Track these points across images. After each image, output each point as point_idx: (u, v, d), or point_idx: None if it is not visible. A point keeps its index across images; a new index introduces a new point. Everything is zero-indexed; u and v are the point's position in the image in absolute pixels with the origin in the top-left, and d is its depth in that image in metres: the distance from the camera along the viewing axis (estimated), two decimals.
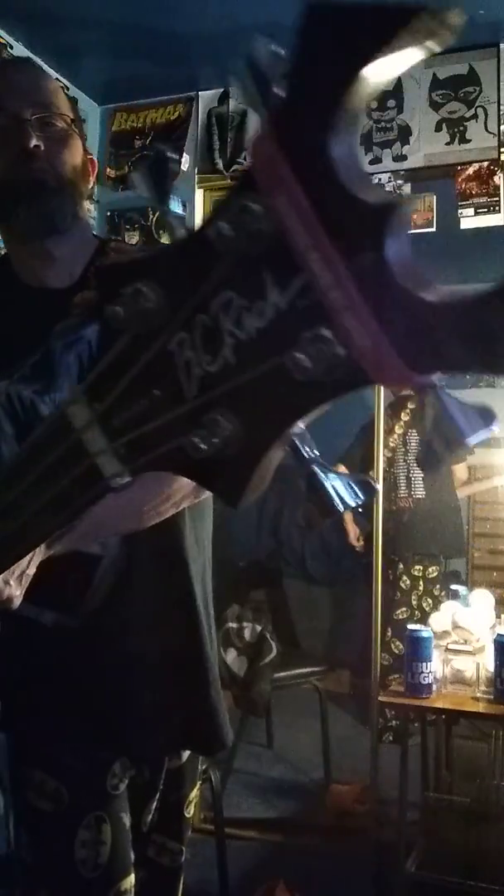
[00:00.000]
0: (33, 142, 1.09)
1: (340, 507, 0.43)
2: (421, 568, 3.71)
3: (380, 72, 0.36)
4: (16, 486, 0.50)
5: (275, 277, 0.39)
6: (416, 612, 3.65)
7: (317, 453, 0.43)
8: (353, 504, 0.43)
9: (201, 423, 0.41)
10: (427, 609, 3.64)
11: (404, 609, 3.67)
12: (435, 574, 3.73)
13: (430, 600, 3.69)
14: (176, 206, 0.49)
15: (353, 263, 0.36)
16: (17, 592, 0.93)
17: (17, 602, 0.93)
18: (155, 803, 1.24)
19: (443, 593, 3.64)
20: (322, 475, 0.43)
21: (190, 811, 1.31)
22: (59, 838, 1.10)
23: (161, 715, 1.15)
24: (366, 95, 0.37)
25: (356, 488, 0.44)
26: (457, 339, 0.35)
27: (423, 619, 3.47)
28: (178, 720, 1.17)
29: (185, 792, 1.28)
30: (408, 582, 3.71)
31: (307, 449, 0.43)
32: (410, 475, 3.75)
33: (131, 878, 1.14)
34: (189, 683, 1.18)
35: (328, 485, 0.43)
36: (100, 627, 1.06)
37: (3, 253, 1.24)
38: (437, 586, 3.71)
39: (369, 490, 0.44)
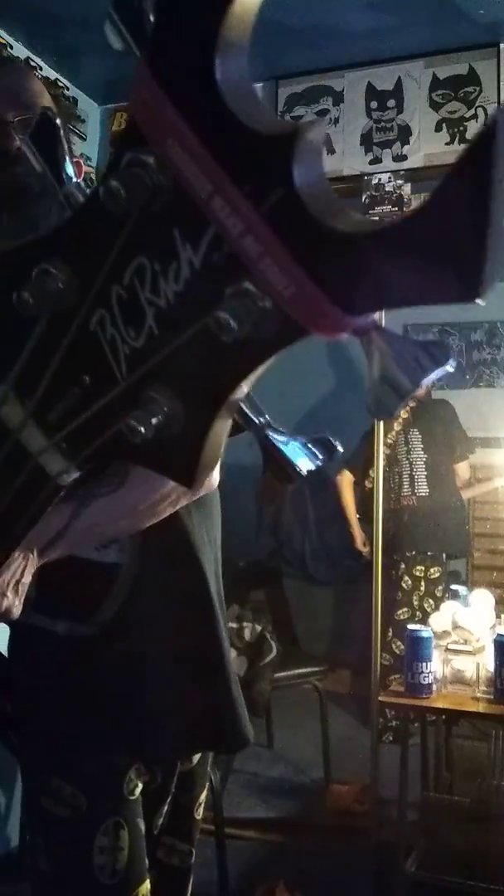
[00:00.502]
0: (17, 144, 1.06)
1: (301, 472, 0.40)
2: (423, 568, 3.71)
3: None
4: None
5: (183, 233, 0.35)
6: (418, 613, 3.65)
7: (267, 418, 0.41)
8: (312, 467, 0.41)
9: (137, 404, 0.38)
10: (429, 610, 3.64)
11: (405, 609, 3.67)
12: (437, 575, 3.73)
13: (431, 601, 3.68)
14: (73, 172, 0.45)
15: (261, 204, 0.33)
16: (15, 602, 0.92)
17: (16, 612, 0.92)
18: (166, 806, 1.24)
19: (445, 595, 3.64)
20: (277, 440, 0.40)
21: (200, 813, 1.31)
22: (76, 845, 1.09)
23: (184, 716, 1.15)
24: (248, 12, 0.33)
25: (314, 449, 0.41)
26: (389, 268, 0.31)
27: (425, 620, 3.47)
28: (202, 720, 1.16)
29: (196, 793, 1.28)
30: (409, 582, 3.71)
31: (256, 415, 0.41)
32: (413, 473, 3.75)
33: (147, 884, 1.13)
34: (210, 682, 1.17)
35: (284, 450, 0.40)
36: (118, 631, 1.06)
37: None
38: (440, 587, 3.70)
39: (329, 449, 0.41)
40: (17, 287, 0.39)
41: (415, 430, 3.73)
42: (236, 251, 0.34)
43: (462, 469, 3.89)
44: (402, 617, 3.61)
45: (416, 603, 3.70)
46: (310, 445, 0.41)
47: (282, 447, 0.40)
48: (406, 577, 3.70)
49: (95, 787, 1.10)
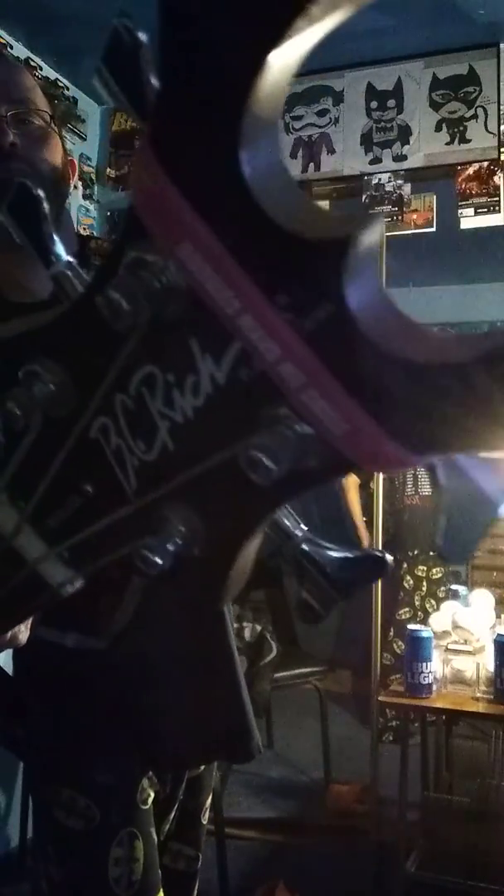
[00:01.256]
0: (10, 139, 1.02)
1: (339, 597, 0.35)
2: (425, 568, 3.71)
3: (293, 51, 0.26)
4: None
5: (203, 344, 0.29)
6: (419, 613, 3.65)
7: (304, 528, 0.35)
8: (355, 590, 0.35)
9: (150, 525, 0.32)
10: (430, 610, 3.64)
11: (407, 609, 3.67)
12: (440, 575, 3.73)
13: (433, 601, 3.68)
14: (61, 250, 0.38)
15: (302, 325, 0.27)
16: (21, 629, 0.91)
17: (22, 639, 0.91)
18: (173, 813, 1.23)
19: (448, 595, 3.64)
20: (315, 557, 0.34)
21: (206, 818, 1.30)
22: (91, 857, 1.07)
23: (197, 726, 1.14)
24: (280, 86, 0.27)
25: (361, 567, 0.35)
26: (462, 408, 0.25)
27: (426, 620, 3.47)
28: (215, 730, 1.16)
29: (203, 799, 1.28)
30: (411, 582, 3.71)
31: (292, 524, 0.35)
32: (416, 472, 3.74)
33: (161, 894, 1.12)
34: (222, 692, 1.16)
35: (323, 570, 0.34)
36: (129, 642, 1.04)
37: None
38: (442, 588, 3.70)
39: (378, 567, 0.35)
40: (1, 390, 0.34)
41: None
42: (271, 376, 0.28)
43: None
44: (403, 617, 3.61)
45: (417, 603, 3.70)
46: (354, 559, 0.35)
47: (320, 567, 0.34)
48: (408, 577, 3.70)
49: (109, 798, 1.08)
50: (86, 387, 0.33)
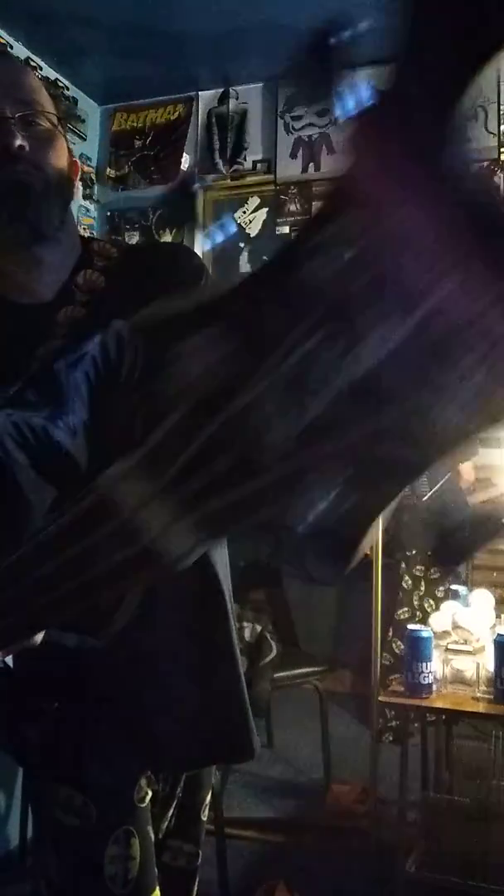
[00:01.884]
0: (17, 142, 1.01)
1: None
2: (423, 568, 3.71)
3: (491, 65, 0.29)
4: (54, 559, 0.43)
5: (385, 310, 0.31)
6: (418, 613, 3.65)
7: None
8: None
9: (292, 491, 0.33)
10: (429, 610, 3.64)
11: (406, 609, 3.67)
12: (438, 575, 3.72)
13: (432, 601, 3.68)
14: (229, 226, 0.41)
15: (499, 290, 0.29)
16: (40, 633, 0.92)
17: (38, 640, 0.92)
18: (172, 811, 1.23)
19: (447, 595, 3.64)
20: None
21: (205, 815, 1.31)
22: (87, 855, 1.07)
23: (198, 727, 1.14)
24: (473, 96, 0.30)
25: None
26: None
27: (425, 620, 3.47)
28: (216, 732, 1.15)
29: (202, 796, 1.28)
30: (409, 582, 3.71)
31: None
32: None
33: (157, 893, 1.13)
34: (224, 693, 1.16)
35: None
36: (129, 642, 1.03)
37: None
38: (441, 588, 3.70)
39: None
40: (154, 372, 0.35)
41: None
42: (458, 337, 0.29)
43: (466, 470, 3.87)
44: (402, 617, 3.61)
45: (416, 603, 3.69)
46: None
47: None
48: (406, 577, 3.70)
49: (106, 796, 1.08)
50: (250, 359, 0.33)
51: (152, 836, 1.14)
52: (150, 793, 1.15)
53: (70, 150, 1.11)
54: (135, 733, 1.09)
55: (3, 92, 1.03)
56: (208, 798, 1.30)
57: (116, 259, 1.12)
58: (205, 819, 1.30)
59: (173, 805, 1.23)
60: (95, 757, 1.08)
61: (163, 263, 1.15)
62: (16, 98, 1.04)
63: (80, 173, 1.16)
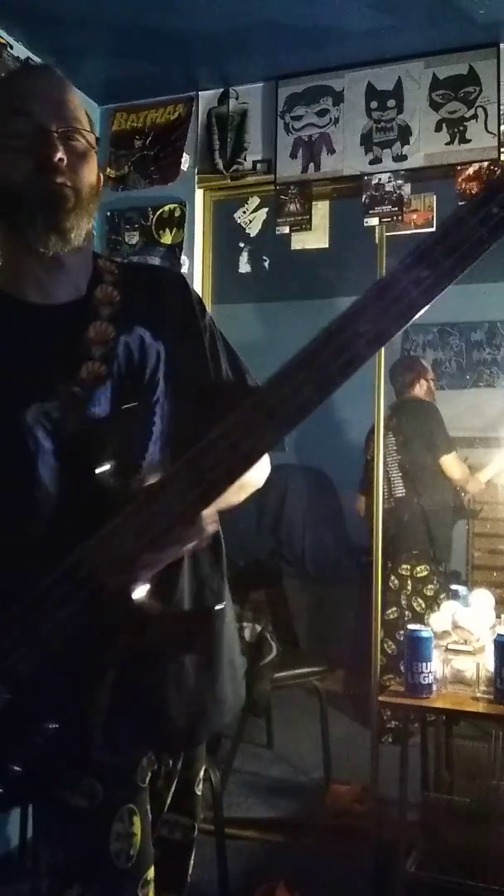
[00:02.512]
0: (58, 154, 1.09)
1: None
2: (408, 567, 3.69)
3: None
4: None
5: None
6: (407, 612, 3.64)
7: None
8: None
9: None
10: (418, 609, 3.64)
11: (394, 609, 3.67)
12: (425, 573, 3.70)
13: (420, 600, 3.67)
14: None
15: None
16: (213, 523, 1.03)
17: (213, 530, 1.02)
18: (173, 787, 1.29)
19: (441, 594, 3.63)
20: None
21: (199, 788, 1.36)
22: (94, 833, 1.12)
23: (194, 709, 1.19)
24: None
25: None
26: None
27: (415, 619, 3.47)
28: (208, 712, 1.22)
29: (196, 769, 1.34)
30: (396, 582, 3.69)
31: None
32: (390, 475, 3.73)
33: (153, 869, 1.18)
34: (213, 676, 1.23)
35: None
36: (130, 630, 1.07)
37: None
38: (429, 586, 3.69)
39: None
40: None
41: (389, 432, 3.69)
42: None
43: (448, 465, 3.78)
44: (391, 616, 3.61)
45: (404, 602, 3.68)
46: None
47: None
48: (392, 577, 3.68)
49: (112, 777, 1.13)
50: None
51: (149, 814, 1.19)
52: (150, 773, 1.20)
53: (99, 166, 1.19)
54: (138, 717, 1.13)
55: (49, 107, 1.12)
56: (202, 773, 1.36)
57: (119, 275, 1.22)
58: (199, 793, 1.36)
59: (174, 782, 1.28)
60: (103, 740, 1.10)
61: (171, 292, 1.27)
62: (60, 115, 1.12)
63: (101, 184, 1.21)
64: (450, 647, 2.47)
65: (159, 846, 1.26)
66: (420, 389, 3.91)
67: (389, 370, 3.70)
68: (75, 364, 1.12)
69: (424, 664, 2.34)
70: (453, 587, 2.92)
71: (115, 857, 1.12)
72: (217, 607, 1.19)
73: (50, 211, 1.10)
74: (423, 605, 3.64)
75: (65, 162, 1.10)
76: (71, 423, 1.09)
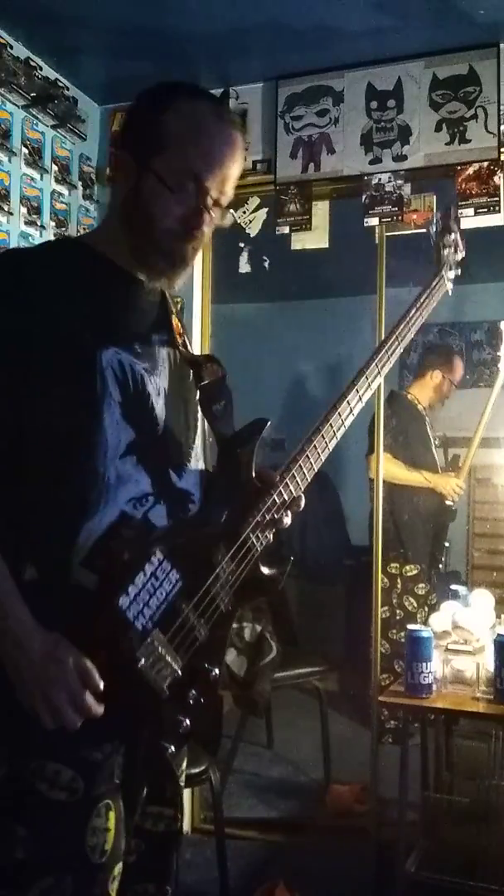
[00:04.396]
0: (205, 220, 1.24)
1: None
2: (397, 566, 3.67)
3: None
4: None
5: None
6: (399, 612, 3.62)
7: None
8: None
9: None
10: (410, 608, 3.62)
11: (386, 608, 3.65)
12: (415, 572, 3.67)
13: (412, 599, 3.65)
14: None
15: None
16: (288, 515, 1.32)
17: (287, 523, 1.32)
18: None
19: (432, 595, 3.62)
20: None
21: (183, 780, 1.37)
22: (72, 827, 1.13)
23: (171, 709, 1.19)
24: None
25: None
26: None
27: (409, 619, 3.46)
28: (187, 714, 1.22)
29: (178, 761, 1.34)
30: (386, 581, 3.67)
31: None
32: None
33: (121, 864, 1.20)
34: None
35: None
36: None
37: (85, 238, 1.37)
38: (420, 585, 3.67)
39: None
40: None
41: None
42: None
43: (372, 465, 3.36)
44: (383, 616, 3.59)
45: (395, 601, 3.66)
46: None
47: None
48: (382, 577, 3.67)
49: (93, 771, 1.14)
50: None
51: (122, 809, 1.20)
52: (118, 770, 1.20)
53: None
54: (121, 715, 1.13)
55: (218, 180, 1.24)
56: (184, 764, 1.37)
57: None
58: (182, 783, 1.36)
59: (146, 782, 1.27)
60: (87, 736, 1.12)
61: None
62: (223, 183, 1.25)
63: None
64: (450, 647, 2.47)
65: (143, 838, 1.28)
66: (431, 380, 3.86)
67: None
68: (165, 329, 1.31)
69: (424, 664, 2.34)
70: (453, 587, 2.92)
71: (91, 852, 1.13)
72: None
73: (172, 266, 1.26)
74: (416, 604, 3.64)
75: (206, 224, 1.25)
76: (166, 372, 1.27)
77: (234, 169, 1.26)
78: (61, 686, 1.06)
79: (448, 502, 3.72)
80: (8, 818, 1.12)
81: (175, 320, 1.38)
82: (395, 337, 1.52)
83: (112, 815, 1.16)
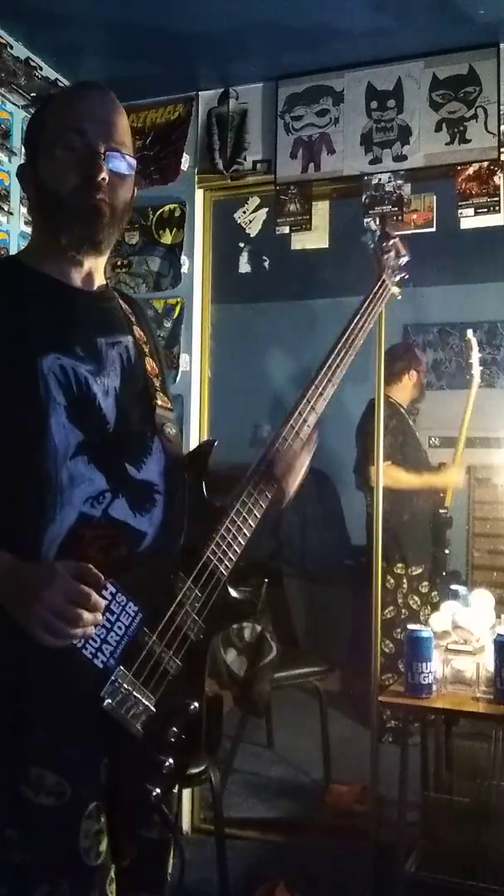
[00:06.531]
0: (102, 175, 1.22)
1: None
2: (402, 566, 3.69)
3: None
4: None
5: None
6: (404, 611, 3.64)
7: None
8: None
9: None
10: (414, 607, 3.64)
11: (391, 608, 3.66)
12: (419, 571, 3.70)
13: (416, 598, 3.67)
14: None
15: None
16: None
17: None
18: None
19: (433, 592, 3.64)
20: None
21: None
22: (62, 831, 1.11)
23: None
24: None
25: None
26: None
27: (412, 618, 3.47)
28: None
29: (169, 800, 1.29)
30: (392, 581, 3.69)
31: None
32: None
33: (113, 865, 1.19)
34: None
35: None
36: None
37: (16, 253, 1.40)
38: (424, 584, 3.69)
39: None
40: None
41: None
42: None
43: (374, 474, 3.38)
44: (388, 615, 3.60)
45: (400, 600, 3.68)
46: None
47: None
48: (388, 576, 3.68)
49: (78, 774, 1.13)
50: None
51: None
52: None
53: (134, 187, 1.32)
54: (96, 718, 1.13)
55: (101, 128, 1.24)
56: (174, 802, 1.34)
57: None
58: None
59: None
60: (66, 736, 1.12)
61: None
62: (110, 136, 1.24)
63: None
64: (450, 647, 2.47)
65: (137, 845, 1.26)
66: (408, 381, 3.87)
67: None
68: (111, 329, 1.31)
69: (424, 664, 2.34)
70: (453, 587, 2.92)
71: (85, 855, 1.12)
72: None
73: (87, 224, 1.24)
74: (420, 603, 3.65)
75: (106, 181, 1.23)
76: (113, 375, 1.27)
77: (113, 115, 1.27)
78: (49, 600, 1.04)
79: (441, 510, 3.74)
80: (2, 826, 1.11)
81: (137, 329, 1.38)
82: (342, 345, 1.50)
83: (104, 816, 1.15)
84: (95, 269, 1.33)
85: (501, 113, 2.77)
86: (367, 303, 1.63)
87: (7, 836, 1.11)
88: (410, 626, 2.47)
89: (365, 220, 2.93)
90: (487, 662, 2.36)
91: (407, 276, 1.79)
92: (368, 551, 3.22)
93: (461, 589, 2.85)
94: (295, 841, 2.99)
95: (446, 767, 2.75)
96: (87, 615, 1.05)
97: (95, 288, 1.33)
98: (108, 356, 1.28)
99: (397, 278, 1.77)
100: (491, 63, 2.78)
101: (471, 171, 2.81)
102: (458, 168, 2.82)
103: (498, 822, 2.44)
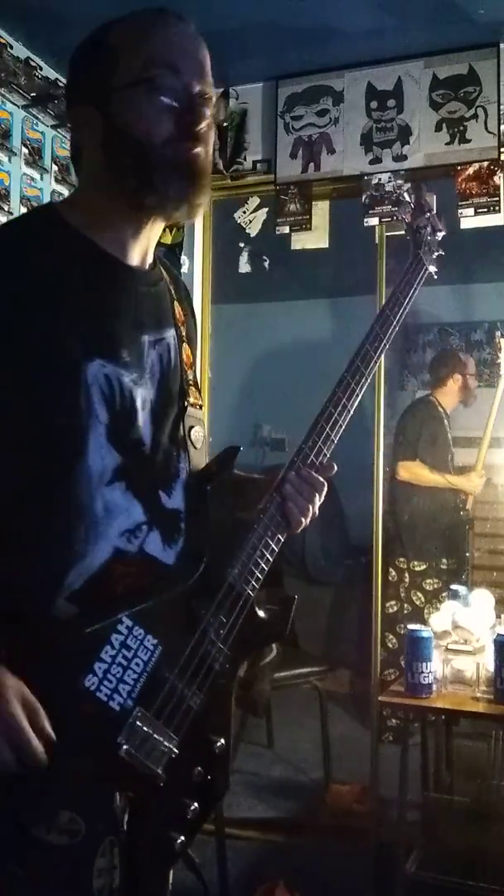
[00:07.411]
0: (204, 123, 1.03)
1: None
2: (404, 560, 3.70)
3: None
4: None
5: None
6: (406, 606, 3.65)
7: None
8: None
9: None
10: (417, 603, 3.65)
11: (394, 602, 3.67)
12: (423, 567, 3.71)
13: (420, 594, 3.68)
14: None
15: None
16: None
17: None
18: None
19: (436, 588, 3.64)
20: None
21: None
22: (76, 871, 0.99)
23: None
24: None
25: None
26: None
27: (415, 614, 3.47)
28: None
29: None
30: (394, 575, 3.70)
31: None
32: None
33: None
34: None
35: None
36: None
37: (53, 209, 1.12)
38: (429, 580, 3.69)
39: None
40: None
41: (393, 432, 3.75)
42: None
43: (401, 469, 3.76)
44: (391, 610, 3.61)
45: (402, 595, 3.69)
46: None
47: None
48: (390, 570, 3.69)
49: (92, 809, 1.00)
50: None
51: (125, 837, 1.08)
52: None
53: None
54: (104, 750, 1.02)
55: (196, 68, 1.05)
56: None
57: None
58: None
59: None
60: (78, 770, 1.01)
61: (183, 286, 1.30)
62: (204, 78, 1.05)
63: None
64: (450, 647, 2.47)
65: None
66: (454, 385, 3.96)
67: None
68: (158, 322, 1.13)
69: (424, 664, 2.34)
70: (453, 587, 2.92)
71: (98, 894, 1.00)
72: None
73: (186, 181, 1.04)
74: (423, 599, 3.65)
75: (203, 131, 1.04)
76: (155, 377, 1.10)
77: (203, 52, 1.07)
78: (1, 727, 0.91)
79: (462, 512, 3.82)
80: (10, 865, 0.98)
81: (178, 308, 1.20)
82: (374, 335, 1.37)
83: (117, 851, 1.03)
84: (152, 243, 1.13)
85: (501, 113, 2.77)
86: (403, 284, 1.42)
87: (16, 874, 0.99)
88: (410, 626, 2.47)
89: (365, 221, 2.93)
90: (487, 662, 2.36)
91: (443, 254, 1.63)
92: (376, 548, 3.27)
93: (461, 589, 2.85)
94: (295, 841, 2.99)
95: (446, 767, 2.76)
96: (13, 762, 0.92)
97: (148, 266, 1.13)
98: (148, 359, 1.10)
99: (435, 255, 1.58)
100: (491, 63, 2.78)
101: (471, 170, 2.81)
102: (458, 168, 2.82)
103: (498, 822, 2.44)
